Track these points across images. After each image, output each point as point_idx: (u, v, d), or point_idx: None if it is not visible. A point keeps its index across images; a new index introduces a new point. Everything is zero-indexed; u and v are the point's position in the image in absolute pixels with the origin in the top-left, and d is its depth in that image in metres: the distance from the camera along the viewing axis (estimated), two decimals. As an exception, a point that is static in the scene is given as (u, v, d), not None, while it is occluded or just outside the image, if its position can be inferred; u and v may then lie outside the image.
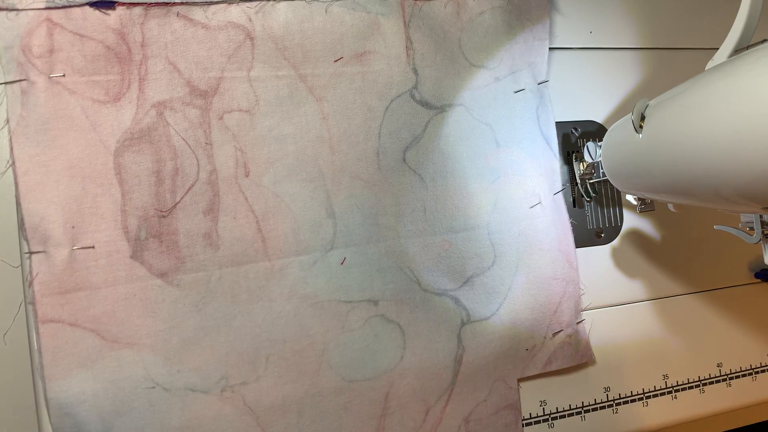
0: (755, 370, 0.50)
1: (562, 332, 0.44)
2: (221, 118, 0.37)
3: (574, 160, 0.47)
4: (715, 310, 0.50)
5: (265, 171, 0.38)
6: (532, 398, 0.44)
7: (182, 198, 0.36)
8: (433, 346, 0.41)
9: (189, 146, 0.36)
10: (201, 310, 0.36)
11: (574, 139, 0.48)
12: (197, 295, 0.36)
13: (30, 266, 0.34)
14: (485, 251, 0.42)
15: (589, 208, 0.48)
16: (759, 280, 0.51)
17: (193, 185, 0.36)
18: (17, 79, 0.34)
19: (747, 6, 0.31)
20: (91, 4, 0.34)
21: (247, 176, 0.38)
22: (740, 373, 0.49)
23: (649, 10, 0.50)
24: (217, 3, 0.36)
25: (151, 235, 0.36)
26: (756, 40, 0.31)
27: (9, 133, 0.34)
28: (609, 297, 0.47)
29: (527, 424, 0.44)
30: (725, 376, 0.49)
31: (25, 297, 0.34)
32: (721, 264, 0.51)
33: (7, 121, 0.34)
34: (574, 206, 0.48)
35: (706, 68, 0.32)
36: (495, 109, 0.43)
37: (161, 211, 0.35)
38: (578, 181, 0.47)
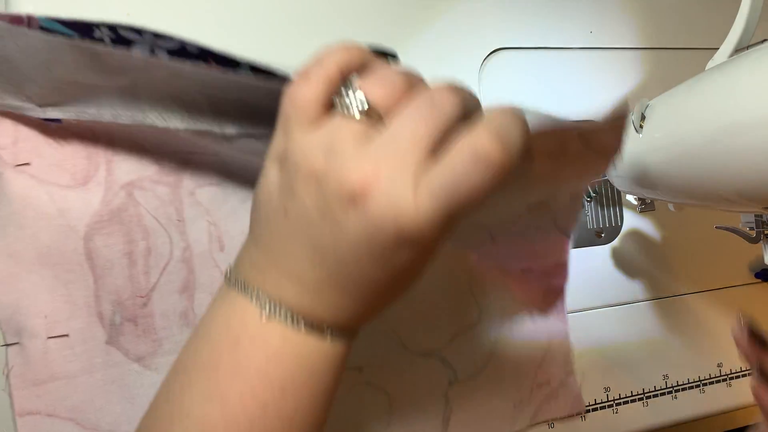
0: (755, 370, 0.50)
1: (548, 385, 0.43)
2: (193, 193, 0.36)
3: (574, 160, 0.47)
4: (716, 310, 0.50)
5: (240, 244, 0.38)
6: (532, 398, 0.44)
7: (158, 279, 0.35)
8: (420, 409, 0.40)
9: (161, 224, 0.36)
10: None
11: (574, 139, 0.48)
12: None
13: (6, 358, 0.33)
14: (469, 307, 0.42)
15: (589, 207, 0.48)
16: (759, 280, 0.51)
17: (167, 264, 0.36)
18: None
19: (747, 6, 0.31)
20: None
21: (222, 250, 0.37)
22: (740, 373, 0.49)
23: (650, 10, 0.50)
24: None
25: (126, 319, 0.35)
26: (756, 40, 0.31)
27: None
28: (609, 297, 0.47)
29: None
30: (725, 376, 0.49)
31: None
32: (722, 264, 0.51)
33: None
34: (574, 206, 0.48)
35: (707, 68, 0.32)
36: None
37: (138, 296, 0.35)
38: (578, 181, 0.47)
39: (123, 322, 0.35)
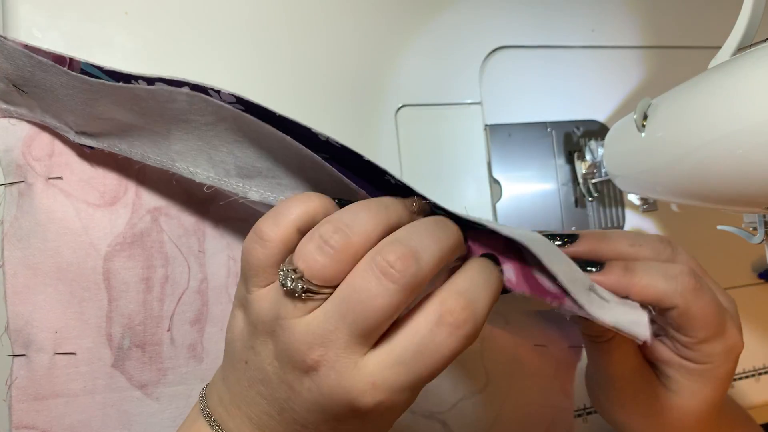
0: (758, 372, 0.49)
1: None
2: (217, 226, 0.36)
3: (575, 160, 0.47)
4: (718, 311, 0.49)
5: None
6: (533, 399, 0.44)
7: (172, 308, 0.35)
8: None
9: (182, 253, 0.36)
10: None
11: (575, 138, 0.47)
12: (176, 410, 0.35)
13: (11, 368, 0.33)
14: (478, 373, 0.41)
15: (591, 207, 0.48)
16: (762, 281, 0.51)
17: (182, 294, 0.36)
18: (15, 180, 0.34)
19: (750, 4, 0.31)
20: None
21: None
22: (743, 375, 0.49)
23: (652, 8, 0.50)
24: None
25: (135, 345, 0.34)
26: (759, 38, 0.31)
27: (2, 234, 0.33)
28: (611, 297, 0.47)
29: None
30: (728, 377, 0.48)
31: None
32: (724, 264, 0.50)
33: (1, 222, 0.34)
34: (576, 206, 0.47)
35: (709, 67, 0.32)
36: None
37: (150, 323, 0.35)
38: (580, 180, 0.47)
39: (131, 346, 0.34)
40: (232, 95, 0.27)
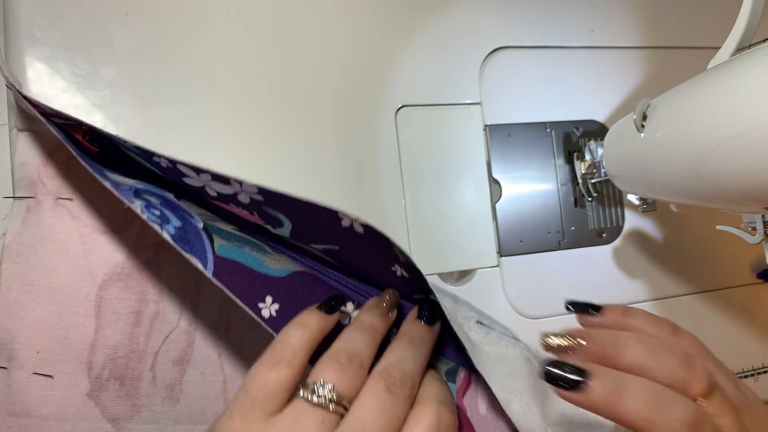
0: (757, 371, 0.49)
1: None
2: None
3: (575, 160, 0.47)
4: (717, 311, 0.49)
5: (246, 330, 0.37)
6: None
7: (158, 346, 0.35)
8: None
9: (176, 291, 0.36)
10: None
11: (575, 138, 0.48)
12: None
13: None
14: None
15: (590, 207, 0.48)
16: (761, 281, 0.51)
17: (170, 333, 0.35)
18: (26, 195, 0.34)
19: (749, 5, 0.31)
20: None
21: (227, 331, 0.37)
22: (742, 374, 0.49)
23: (651, 9, 0.50)
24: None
25: (114, 377, 0.34)
26: (758, 39, 0.31)
27: (2, 246, 0.33)
28: (610, 297, 0.47)
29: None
30: (727, 377, 0.49)
31: None
32: (723, 264, 0.50)
33: (4, 234, 0.33)
34: (576, 206, 0.47)
35: (708, 67, 0.32)
36: None
37: (132, 357, 0.34)
38: (579, 180, 0.47)
39: (110, 378, 0.34)
40: (255, 186, 0.28)
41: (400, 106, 0.43)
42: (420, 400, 0.26)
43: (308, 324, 0.27)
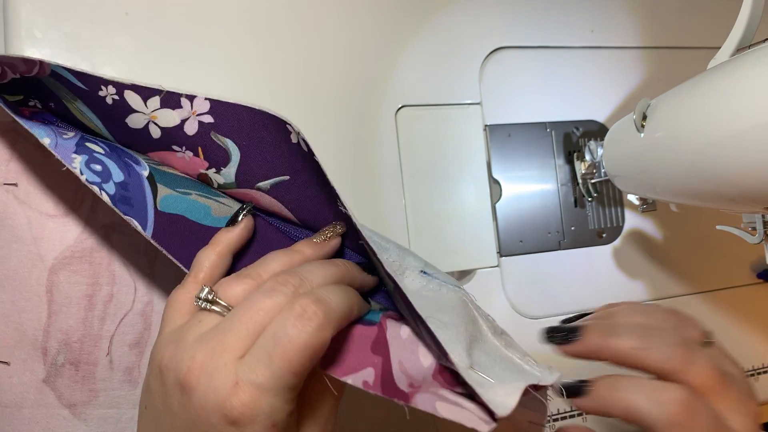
0: (757, 371, 0.49)
1: None
2: None
3: (575, 160, 0.47)
4: (717, 311, 0.49)
5: None
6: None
7: (113, 329, 0.34)
8: None
9: (129, 273, 0.35)
10: None
11: (575, 138, 0.48)
12: None
13: None
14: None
15: (590, 207, 0.48)
16: (761, 281, 0.51)
17: (125, 315, 0.35)
18: None
19: (749, 5, 0.31)
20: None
21: None
22: (742, 374, 0.49)
23: (651, 9, 0.50)
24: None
25: (69, 362, 0.34)
26: (758, 39, 0.31)
27: None
28: (610, 297, 0.47)
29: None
30: (727, 377, 0.49)
31: None
32: (723, 264, 0.50)
33: None
34: (576, 206, 0.47)
35: (708, 67, 0.32)
36: None
37: (86, 341, 0.34)
38: (579, 180, 0.47)
39: (65, 363, 0.34)
40: (207, 100, 0.28)
41: (400, 106, 0.43)
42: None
43: (214, 242, 0.28)
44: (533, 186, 0.47)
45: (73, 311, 0.34)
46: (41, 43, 0.35)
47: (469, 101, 0.45)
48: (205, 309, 0.25)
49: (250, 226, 0.30)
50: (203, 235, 0.30)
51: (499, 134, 0.46)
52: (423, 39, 0.44)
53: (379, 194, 0.42)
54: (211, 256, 0.28)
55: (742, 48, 0.31)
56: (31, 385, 0.33)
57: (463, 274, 0.44)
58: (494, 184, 0.46)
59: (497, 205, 0.45)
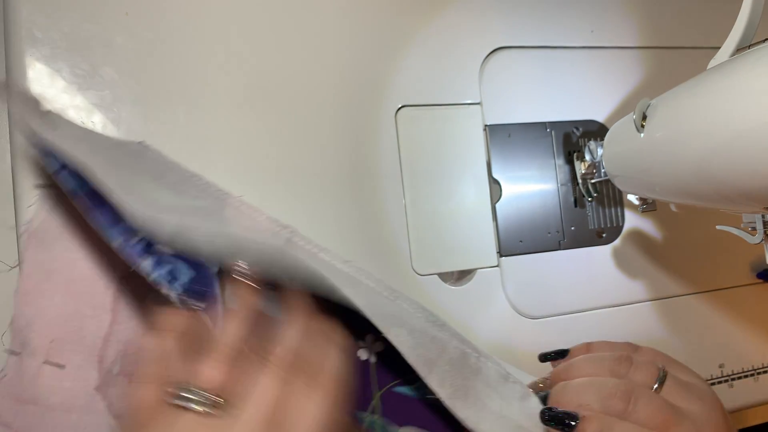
0: (757, 371, 0.49)
1: None
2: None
3: (575, 160, 0.47)
4: (717, 311, 0.49)
5: None
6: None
7: None
8: None
9: None
10: None
11: (575, 138, 0.48)
12: None
13: (6, 363, 0.33)
14: None
15: (590, 207, 0.48)
16: (761, 281, 0.51)
17: None
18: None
19: (749, 5, 0.31)
20: None
21: None
22: (742, 374, 0.49)
23: (651, 9, 0.50)
24: None
25: (123, 373, 0.34)
26: (758, 39, 0.31)
27: (27, 233, 0.33)
28: (610, 297, 0.47)
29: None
30: (727, 377, 0.49)
31: None
32: (723, 264, 0.50)
33: (30, 221, 0.34)
34: (576, 206, 0.47)
35: (708, 67, 0.32)
36: None
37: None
38: (579, 180, 0.47)
39: (120, 374, 0.34)
40: None
41: (400, 106, 0.43)
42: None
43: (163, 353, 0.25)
44: (533, 186, 0.47)
45: (134, 325, 0.34)
46: (41, 43, 0.35)
47: (469, 101, 0.45)
48: (200, 413, 0.22)
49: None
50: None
51: (499, 134, 0.46)
52: (423, 39, 0.44)
53: (379, 194, 0.42)
54: (160, 366, 0.24)
55: (742, 48, 0.31)
56: (83, 391, 0.33)
57: (463, 274, 0.44)
58: (494, 184, 0.46)
59: (497, 205, 0.45)
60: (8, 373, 0.33)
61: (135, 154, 0.30)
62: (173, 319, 0.25)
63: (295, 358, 0.24)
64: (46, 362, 0.33)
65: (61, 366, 0.33)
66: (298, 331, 0.26)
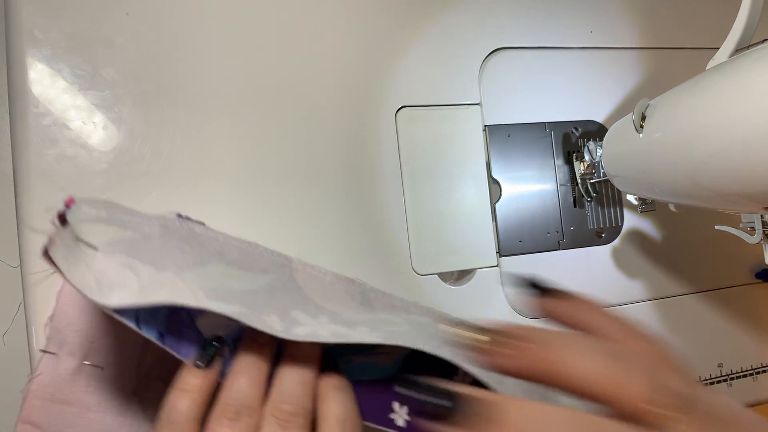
0: (756, 371, 0.49)
1: None
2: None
3: (574, 160, 0.47)
4: (716, 311, 0.50)
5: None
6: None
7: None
8: None
9: None
10: None
11: (574, 138, 0.48)
12: None
13: (39, 363, 0.33)
14: None
15: (589, 207, 0.48)
16: (760, 281, 0.51)
17: None
18: None
19: (747, 6, 0.31)
20: None
21: None
22: (741, 374, 0.49)
23: (650, 10, 0.50)
24: None
25: (160, 378, 0.34)
26: (756, 39, 0.31)
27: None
28: (609, 297, 0.47)
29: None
30: (726, 377, 0.49)
31: (24, 297, 0.34)
32: (722, 264, 0.51)
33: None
34: (575, 206, 0.47)
35: (707, 68, 0.32)
36: None
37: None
38: (578, 180, 0.47)
39: (156, 379, 0.34)
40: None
41: (400, 106, 0.43)
42: (321, 419, 0.25)
43: (188, 388, 0.26)
44: (532, 186, 0.47)
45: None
46: (42, 44, 0.35)
47: (468, 101, 0.45)
48: None
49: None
50: None
51: (498, 134, 0.46)
52: (423, 40, 0.44)
53: (379, 194, 0.42)
54: (186, 410, 0.26)
55: (740, 48, 0.31)
56: (120, 393, 0.34)
57: (463, 274, 0.44)
58: (494, 184, 0.46)
59: (497, 205, 0.46)
60: (42, 373, 0.33)
61: (185, 238, 0.29)
62: (196, 380, 0.27)
63: (293, 407, 0.25)
64: (84, 363, 0.33)
65: (99, 367, 0.33)
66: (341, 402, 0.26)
